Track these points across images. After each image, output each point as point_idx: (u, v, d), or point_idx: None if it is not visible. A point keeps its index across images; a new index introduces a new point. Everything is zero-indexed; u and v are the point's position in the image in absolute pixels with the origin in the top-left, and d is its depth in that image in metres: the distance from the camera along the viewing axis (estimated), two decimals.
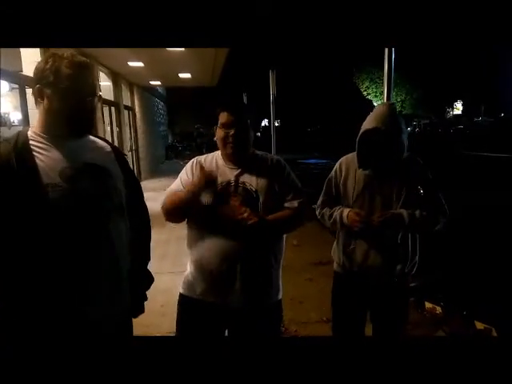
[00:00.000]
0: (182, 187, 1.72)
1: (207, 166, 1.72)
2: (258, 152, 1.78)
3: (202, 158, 1.80)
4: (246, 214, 1.57)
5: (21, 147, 1.27)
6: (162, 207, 1.72)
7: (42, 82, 1.29)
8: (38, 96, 1.31)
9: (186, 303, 1.74)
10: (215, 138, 1.72)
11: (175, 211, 1.70)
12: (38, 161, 1.27)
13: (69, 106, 1.30)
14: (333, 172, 2.06)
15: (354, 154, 1.98)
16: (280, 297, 1.78)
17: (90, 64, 1.35)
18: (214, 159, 1.75)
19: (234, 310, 1.66)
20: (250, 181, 1.67)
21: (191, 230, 1.73)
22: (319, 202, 2.11)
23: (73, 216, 1.29)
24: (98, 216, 1.34)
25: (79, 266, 1.31)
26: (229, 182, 1.66)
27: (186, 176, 1.75)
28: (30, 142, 1.30)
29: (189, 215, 1.71)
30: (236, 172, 1.68)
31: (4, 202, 1.21)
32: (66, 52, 1.31)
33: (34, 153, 1.28)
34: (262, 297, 1.69)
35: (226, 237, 1.62)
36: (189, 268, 1.75)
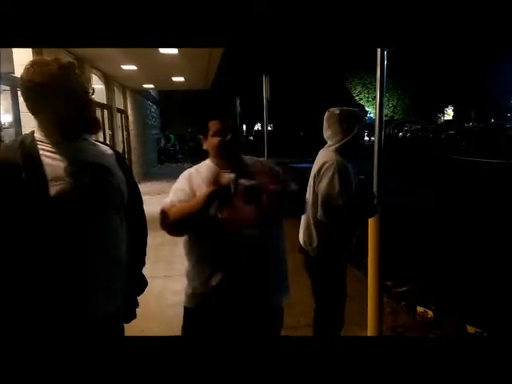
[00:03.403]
0: (182, 196, 1.66)
1: (204, 174, 1.69)
2: (244, 156, 1.79)
3: (194, 168, 1.77)
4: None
5: (28, 145, 1.30)
6: (165, 222, 1.61)
7: (29, 97, 1.31)
8: (32, 110, 1.33)
9: (195, 316, 1.71)
10: (205, 147, 1.71)
11: (185, 223, 1.61)
12: (43, 157, 1.30)
13: (60, 112, 1.31)
14: (344, 176, 2.23)
15: (342, 156, 2.26)
16: (285, 301, 1.79)
17: (68, 66, 1.33)
18: (207, 167, 1.73)
19: (245, 314, 1.67)
20: (250, 182, 1.64)
21: (195, 241, 1.69)
22: (348, 201, 2.21)
23: (74, 211, 1.30)
24: (98, 212, 1.36)
25: (77, 262, 1.31)
26: (229, 185, 1.63)
27: (184, 187, 1.69)
28: (37, 142, 1.33)
29: (197, 226, 1.64)
30: (234, 175, 1.64)
31: (9, 195, 1.23)
32: (44, 60, 1.31)
33: (41, 151, 1.31)
34: (271, 300, 1.71)
35: (234, 242, 1.60)
36: (195, 281, 1.70)
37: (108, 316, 1.41)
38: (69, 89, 1.31)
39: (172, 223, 1.60)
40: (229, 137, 1.64)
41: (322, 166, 2.30)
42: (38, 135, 1.35)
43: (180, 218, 1.59)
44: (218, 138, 1.65)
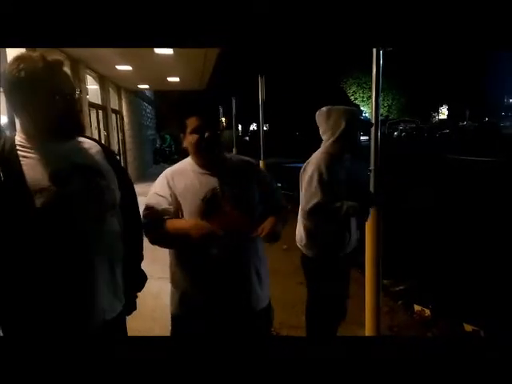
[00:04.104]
0: (163, 203, 1.62)
1: (184, 176, 1.64)
2: (227, 154, 1.75)
3: (173, 169, 1.71)
4: (244, 221, 1.57)
5: (7, 154, 1.24)
6: (151, 234, 1.61)
7: (12, 91, 1.26)
8: (12, 105, 1.28)
9: (179, 321, 1.71)
10: (185, 146, 1.66)
11: (173, 243, 1.64)
12: (25, 166, 1.24)
13: (45, 110, 1.26)
14: (324, 173, 2.18)
15: (326, 151, 2.28)
16: (267, 303, 1.76)
17: (55, 62, 1.29)
18: (188, 168, 1.67)
19: (226, 317, 1.65)
20: (235, 184, 1.62)
21: (182, 250, 1.67)
22: (325, 199, 2.18)
23: (65, 219, 1.27)
24: (91, 217, 1.32)
25: (75, 269, 1.29)
26: (214, 189, 1.60)
27: (165, 192, 1.63)
28: (17, 147, 1.27)
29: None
30: (217, 177, 1.62)
31: None
32: (30, 53, 1.27)
33: (22, 158, 1.25)
34: (249, 304, 1.68)
35: (220, 247, 1.57)
36: (175, 286, 1.71)
37: (113, 316, 1.41)
38: (53, 86, 1.26)
39: (161, 239, 1.63)
40: (207, 134, 1.58)
41: (307, 163, 2.31)
42: (19, 138, 1.29)
43: (165, 242, 1.64)
44: (196, 136, 1.59)
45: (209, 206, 1.57)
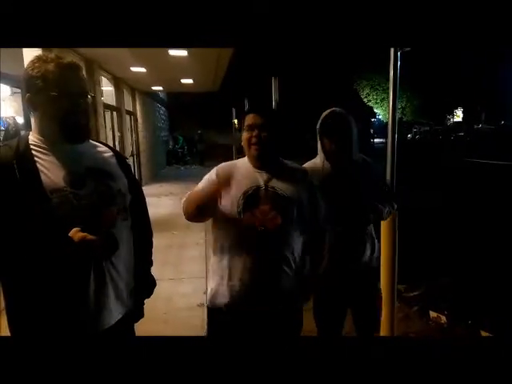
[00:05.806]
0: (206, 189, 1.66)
1: (234, 169, 1.68)
2: (285, 161, 1.76)
3: (227, 163, 1.75)
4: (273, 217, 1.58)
5: (22, 153, 1.25)
6: (184, 203, 1.66)
7: (31, 90, 1.27)
8: (30, 105, 1.30)
9: (215, 316, 1.71)
10: (242, 143, 1.69)
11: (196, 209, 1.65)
12: (40, 166, 1.25)
13: (60, 112, 1.27)
14: None
15: (312, 161, 2.08)
16: (303, 303, 1.76)
17: (77, 64, 1.31)
18: (241, 164, 1.71)
19: (261, 314, 1.63)
20: (281, 186, 1.64)
21: (217, 239, 1.69)
22: None
23: (78, 220, 1.26)
24: (102, 220, 1.32)
25: (85, 271, 1.28)
26: (258, 187, 1.62)
27: (212, 178, 1.67)
28: (32, 147, 1.29)
29: (212, 214, 1.67)
30: (265, 176, 1.64)
31: (6, 209, 1.19)
32: (51, 54, 1.28)
33: (36, 158, 1.27)
34: (287, 300, 1.67)
35: (252, 243, 1.59)
36: (214, 280, 1.70)
37: (118, 320, 1.40)
38: (69, 88, 1.27)
39: (187, 205, 1.65)
40: (255, 133, 1.61)
41: None
42: (33, 138, 1.31)
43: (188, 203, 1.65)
44: (247, 134, 1.63)
45: (249, 200, 1.60)
